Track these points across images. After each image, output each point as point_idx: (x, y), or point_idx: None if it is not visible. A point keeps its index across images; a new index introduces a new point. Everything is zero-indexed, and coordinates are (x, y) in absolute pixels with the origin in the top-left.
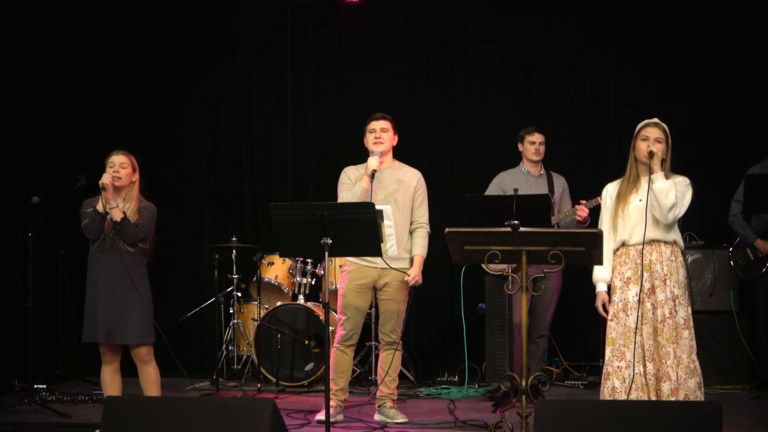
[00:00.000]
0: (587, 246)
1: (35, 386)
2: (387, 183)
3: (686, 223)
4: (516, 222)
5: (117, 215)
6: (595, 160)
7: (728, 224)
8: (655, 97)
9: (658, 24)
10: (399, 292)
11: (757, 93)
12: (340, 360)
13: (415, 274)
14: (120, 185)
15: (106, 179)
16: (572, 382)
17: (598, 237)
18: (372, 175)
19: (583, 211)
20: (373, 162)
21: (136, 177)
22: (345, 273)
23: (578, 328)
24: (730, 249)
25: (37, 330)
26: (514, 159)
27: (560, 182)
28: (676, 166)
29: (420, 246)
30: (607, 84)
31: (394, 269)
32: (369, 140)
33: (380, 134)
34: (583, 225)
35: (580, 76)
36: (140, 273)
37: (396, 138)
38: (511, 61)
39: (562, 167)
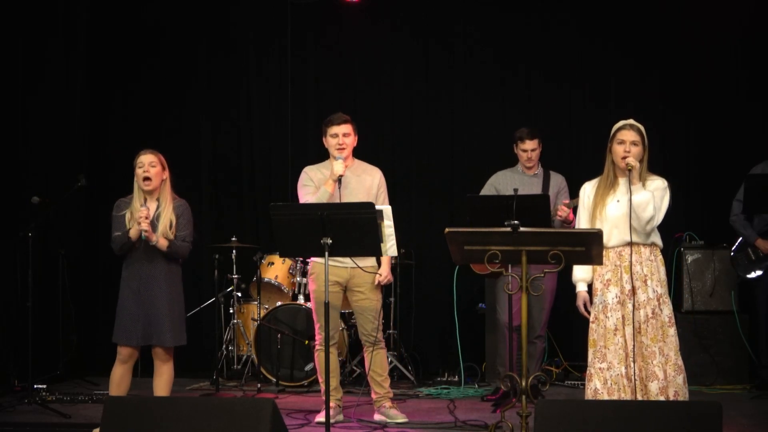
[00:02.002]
0: (587, 246)
1: (35, 386)
2: (354, 188)
3: (686, 223)
4: (516, 222)
5: (163, 245)
6: (595, 160)
7: (729, 224)
8: (655, 97)
9: (658, 23)
10: (372, 291)
11: (757, 92)
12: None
13: (386, 273)
14: (152, 187)
15: (143, 224)
16: (572, 382)
17: (598, 237)
18: (338, 180)
19: (562, 210)
20: (338, 167)
21: (167, 174)
22: (313, 276)
23: (578, 328)
24: (733, 249)
25: (37, 330)
26: (514, 159)
27: (557, 182)
28: (676, 164)
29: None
30: (607, 84)
31: (363, 270)
32: (331, 144)
33: (343, 140)
34: (566, 225)
35: (580, 76)
36: (175, 274)
37: (356, 139)
38: (511, 61)
39: (561, 167)
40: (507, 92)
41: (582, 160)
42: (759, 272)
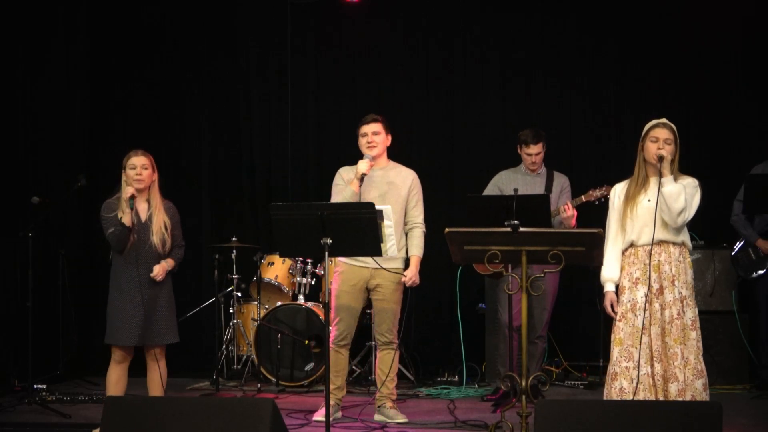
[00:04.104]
0: (587, 246)
1: (35, 386)
2: (380, 184)
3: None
4: (516, 222)
5: (171, 265)
6: (595, 160)
7: (730, 224)
8: (655, 97)
9: (658, 23)
10: (393, 293)
11: (757, 92)
12: (336, 360)
13: (412, 275)
14: (143, 187)
15: (133, 190)
16: (572, 382)
17: (598, 237)
18: (361, 179)
19: (566, 210)
20: (362, 166)
21: (156, 176)
22: (337, 274)
23: (578, 328)
24: (734, 248)
25: (37, 330)
26: (514, 159)
27: (560, 181)
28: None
29: (416, 246)
30: (607, 84)
31: (386, 270)
32: (362, 144)
33: (372, 138)
34: (567, 223)
35: (580, 76)
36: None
37: (389, 138)
38: (511, 61)
39: (561, 167)
40: (507, 92)
41: (582, 160)
42: (760, 272)
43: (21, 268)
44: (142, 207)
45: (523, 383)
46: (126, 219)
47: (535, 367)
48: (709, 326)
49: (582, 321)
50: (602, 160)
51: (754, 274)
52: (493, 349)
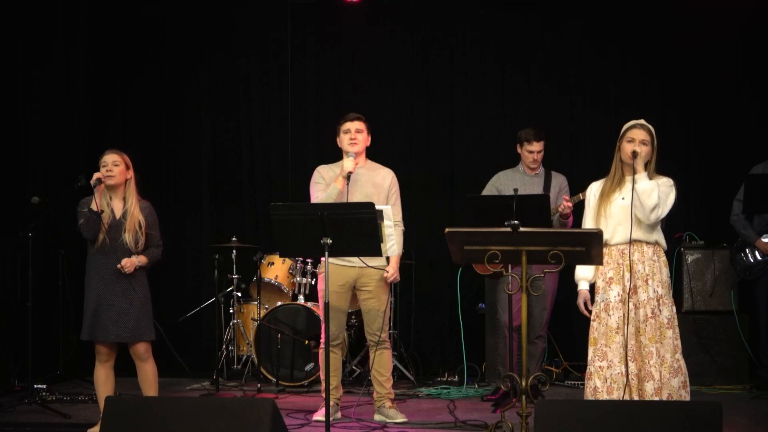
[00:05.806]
0: (587, 246)
1: (35, 386)
2: (363, 183)
3: (686, 223)
4: (516, 222)
5: (143, 262)
6: (595, 161)
7: (730, 224)
8: (655, 97)
9: (658, 24)
10: (380, 290)
11: (757, 92)
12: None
13: (393, 271)
14: (114, 183)
15: (102, 176)
16: (572, 382)
17: (598, 237)
18: (348, 177)
19: (564, 206)
20: (348, 164)
21: (131, 174)
22: (322, 275)
23: (578, 328)
24: (733, 248)
25: (37, 330)
26: (514, 159)
27: (558, 181)
28: (676, 165)
29: (397, 244)
30: (607, 84)
31: (372, 267)
32: (344, 141)
33: (355, 135)
34: (564, 220)
35: (580, 77)
36: (138, 271)
37: (369, 138)
38: (511, 62)
39: (561, 168)
40: (507, 93)
41: (582, 161)
42: (759, 272)
43: (21, 268)
44: (117, 205)
45: (523, 383)
46: (93, 205)
47: (535, 367)
48: (709, 326)
49: (582, 321)
50: (602, 160)
51: (754, 274)
52: (493, 349)
